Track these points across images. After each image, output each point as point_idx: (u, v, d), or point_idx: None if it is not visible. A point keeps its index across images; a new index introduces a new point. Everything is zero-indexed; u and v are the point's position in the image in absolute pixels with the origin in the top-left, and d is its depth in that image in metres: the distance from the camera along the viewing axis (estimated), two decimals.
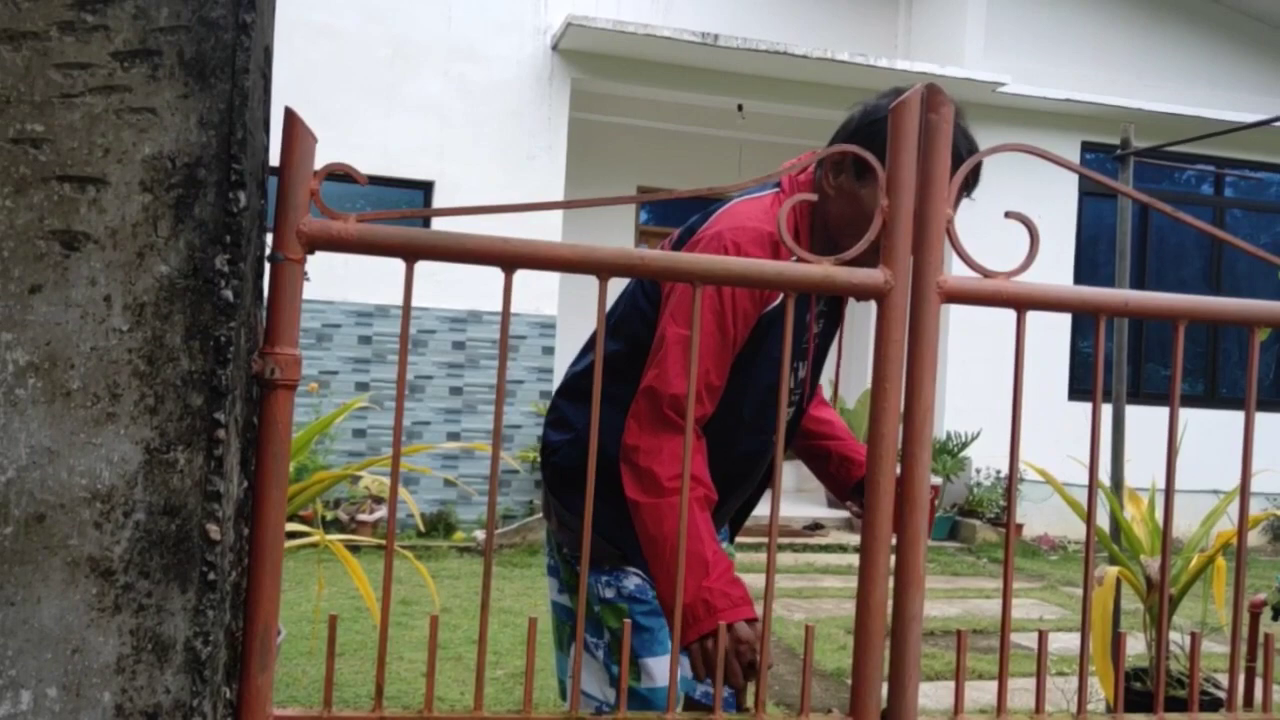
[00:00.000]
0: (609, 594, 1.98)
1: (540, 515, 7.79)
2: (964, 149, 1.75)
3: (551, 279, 8.30)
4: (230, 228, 1.19)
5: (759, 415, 1.94)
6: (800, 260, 1.39)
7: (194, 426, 1.17)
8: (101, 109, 1.15)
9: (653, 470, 1.77)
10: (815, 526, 9.03)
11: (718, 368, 1.84)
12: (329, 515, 7.51)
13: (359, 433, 8.29)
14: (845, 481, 2.23)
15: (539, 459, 2.16)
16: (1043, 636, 1.40)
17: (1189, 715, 1.46)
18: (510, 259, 1.37)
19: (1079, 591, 7.15)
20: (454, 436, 8.45)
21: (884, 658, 1.42)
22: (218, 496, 1.18)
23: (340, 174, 1.33)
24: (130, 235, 1.15)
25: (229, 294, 1.19)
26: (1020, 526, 9.16)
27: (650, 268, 1.42)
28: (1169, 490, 1.44)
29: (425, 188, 8.47)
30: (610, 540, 1.93)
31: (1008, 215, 1.31)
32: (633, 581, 1.97)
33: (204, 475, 1.17)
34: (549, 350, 8.56)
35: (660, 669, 1.93)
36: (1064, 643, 5.41)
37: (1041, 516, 8.96)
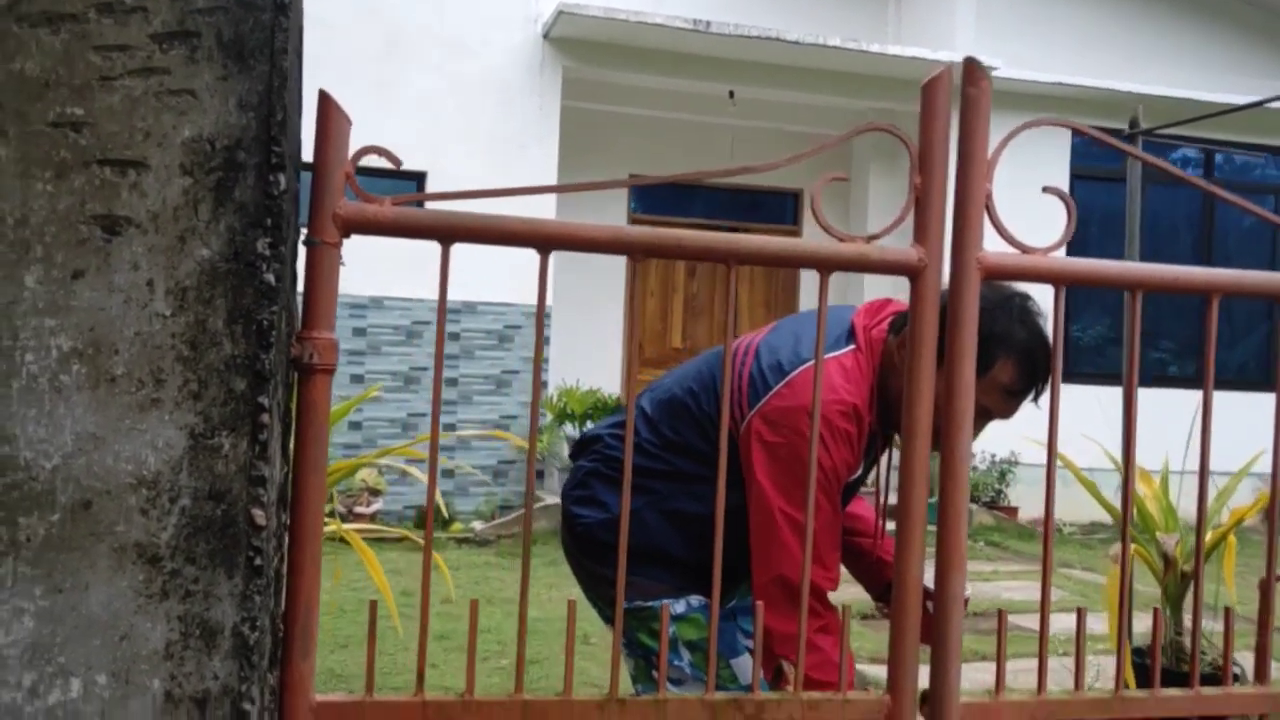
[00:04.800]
0: (680, 609, 1.99)
1: (539, 507, 7.79)
2: (1040, 356, 1.85)
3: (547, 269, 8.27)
4: (271, 210, 1.18)
5: None
6: (833, 235, 1.39)
7: (238, 411, 1.17)
8: (141, 91, 1.14)
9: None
10: None
11: (836, 540, 1.92)
12: (328, 507, 7.50)
13: (355, 425, 8.27)
14: (878, 581, 2.25)
15: (562, 524, 2.16)
16: (1081, 614, 1.41)
17: (1224, 689, 1.48)
18: (545, 240, 1.37)
19: (1076, 573, 7.19)
20: (450, 428, 8.43)
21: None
22: (263, 481, 1.17)
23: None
24: (171, 219, 1.15)
25: (271, 277, 1.18)
26: (1015, 509, 9.21)
27: (684, 248, 1.42)
28: (1203, 466, 1.45)
29: (418, 179, 8.43)
30: (666, 583, 1.99)
31: (1045, 190, 1.31)
32: (696, 599, 2.00)
33: (249, 460, 1.17)
34: (545, 340, 8.55)
35: (746, 667, 1.98)
36: (1063, 623, 5.43)
37: (1036, 499, 8.99)
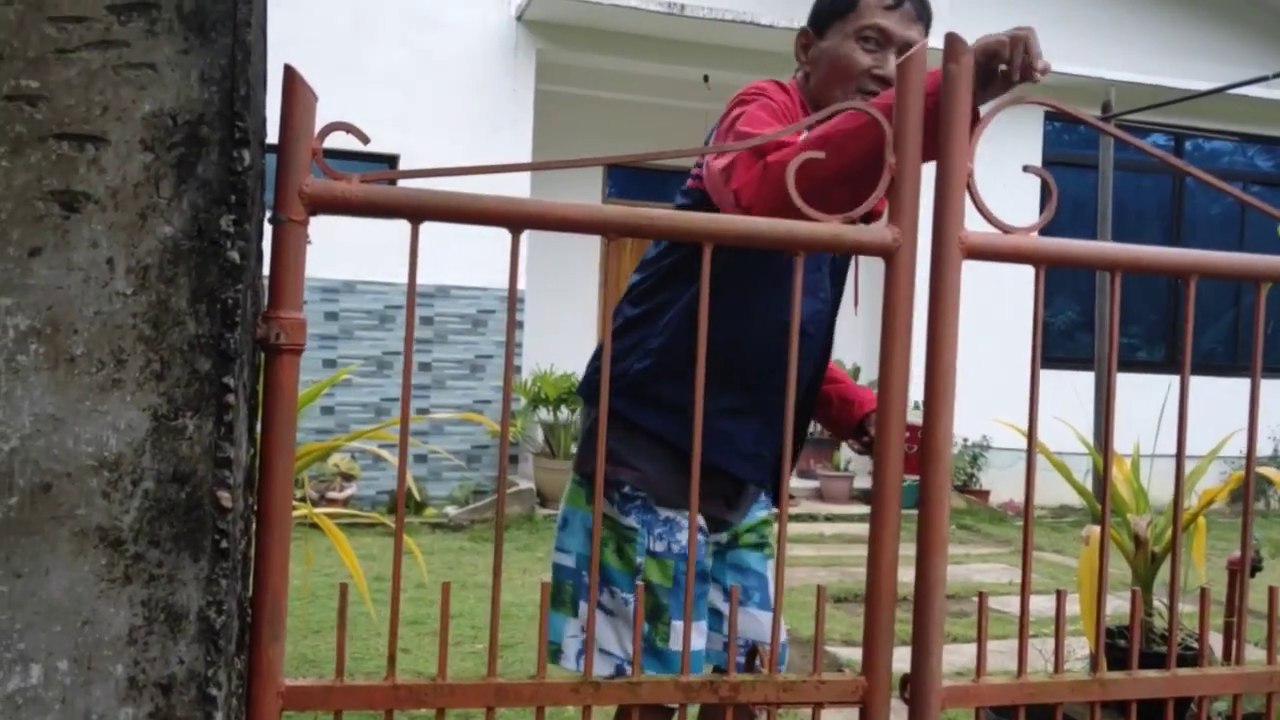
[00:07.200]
0: (659, 548, 1.90)
1: (512, 492, 7.77)
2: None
3: (520, 252, 8.25)
4: (235, 187, 1.15)
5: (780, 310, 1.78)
6: (810, 219, 1.37)
7: (202, 392, 1.14)
8: (99, 65, 1.11)
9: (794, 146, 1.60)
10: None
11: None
12: (299, 493, 7.45)
13: (327, 410, 8.21)
14: (849, 421, 2.19)
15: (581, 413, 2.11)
16: (1060, 596, 1.42)
17: (1200, 670, 1.48)
18: (518, 219, 1.35)
19: (1047, 555, 7.26)
20: (423, 412, 8.38)
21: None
22: (228, 463, 1.15)
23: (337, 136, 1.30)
24: (132, 195, 1.12)
25: (235, 255, 1.15)
26: (987, 493, 9.27)
27: (657, 227, 1.41)
28: (1180, 448, 1.45)
29: (390, 161, 8.34)
30: (658, 480, 1.89)
31: (1026, 170, 1.30)
32: (685, 536, 1.88)
33: (214, 441, 1.15)
34: (519, 324, 8.51)
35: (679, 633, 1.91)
36: (1034, 604, 5.48)
37: (1007, 482, 9.07)
